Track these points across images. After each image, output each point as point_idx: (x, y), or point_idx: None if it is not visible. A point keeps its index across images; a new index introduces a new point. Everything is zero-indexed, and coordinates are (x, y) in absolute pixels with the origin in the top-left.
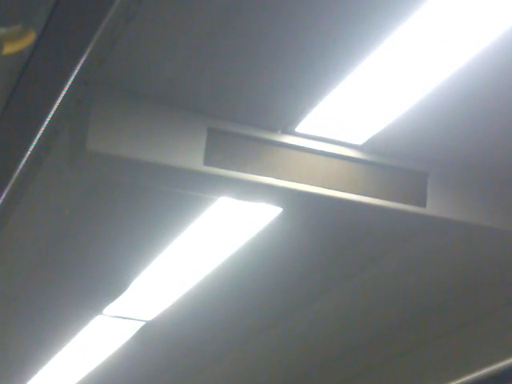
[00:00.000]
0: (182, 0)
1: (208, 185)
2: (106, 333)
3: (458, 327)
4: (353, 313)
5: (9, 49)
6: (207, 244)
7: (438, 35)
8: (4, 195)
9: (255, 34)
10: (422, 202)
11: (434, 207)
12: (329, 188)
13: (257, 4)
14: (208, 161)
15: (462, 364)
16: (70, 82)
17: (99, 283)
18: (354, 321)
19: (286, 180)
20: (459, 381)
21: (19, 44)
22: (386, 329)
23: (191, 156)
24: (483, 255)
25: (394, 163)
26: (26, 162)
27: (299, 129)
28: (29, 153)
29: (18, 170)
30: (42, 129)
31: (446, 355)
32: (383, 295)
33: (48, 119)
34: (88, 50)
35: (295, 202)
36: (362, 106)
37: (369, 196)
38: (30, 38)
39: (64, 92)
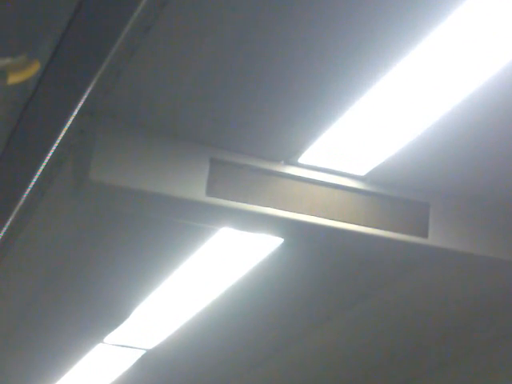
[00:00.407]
0: (186, 33)
1: (210, 215)
2: (107, 361)
3: (459, 357)
4: (353, 342)
5: (13, 79)
6: (209, 274)
7: (440, 68)
8: (8, 224)
9: (258, 66)
10: (423, 233)
11: (435, 238)
12: (331, 218)
13: (259, 38)
14: (210, 191)
15: None
16: (74, 113)
17: (101, 311)
18: (354, 350)
19: (287, 211)
20: None
21: (24, 74)
22: (386, 358)
23: (194, 186)
24: (485, 286)
25: (396, 194)
26: (30, 191)
27: (302, 160)
28: (33, 182)
29: (21, 200)
30: (47, 159)
31: None
32: (384, 325)
33: (52, 149)
34: (93, 81)
35: (297, 233)
36: (364, 137)
37: (371, 227)
38: (34, 69)
39: (69, 122)
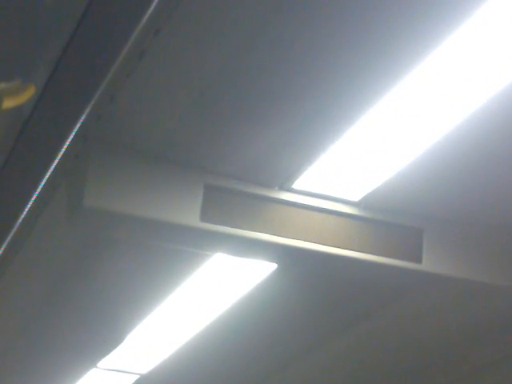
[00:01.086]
0: (181, 58)
1: (204, 241)
2: None
3: (453, 382)
4: (346, 367)
5: (8, 103)
6: (203, 299)
7: (433, 95)
8: (2, 249)
9: (251, 92)
10: (417, 258)
11: (429, 263)
12: (324, 244)
13: (252, 64)
14: (204, 217)
15: None
16: (70, 138)
17: (95, 336)
18: (348, 374)
19: (281, 236)
20: None
21: (18, 99)
22: (380, 381)
23: (188, 212)
24: (479, 310)
25: (389, 219)
26: (24, 216)
27: (296, 185)
28: (27, 207)
29: (16, 225)
30: (42, 184)
31: None
32: (378, 350)
33: (48, 174)
34: (88, 106)
35: (291, 258)
36: (358, 163)
37: (364, 252)
38: (29, 93)
39: (64, 147)
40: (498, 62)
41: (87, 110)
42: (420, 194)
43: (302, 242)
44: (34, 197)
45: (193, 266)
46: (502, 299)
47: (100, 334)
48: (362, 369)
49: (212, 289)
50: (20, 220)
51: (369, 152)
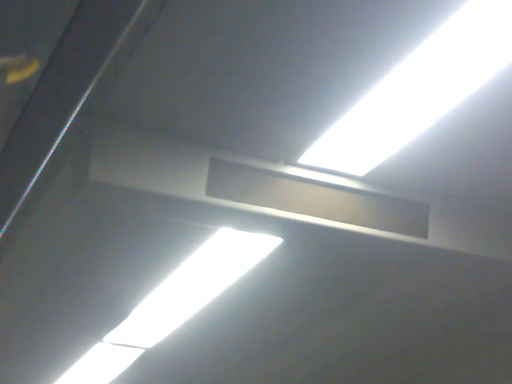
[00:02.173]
0: (185, 34)
1: (210, 215)
2: (106, 360)
3: (459, 356)
4: (353, 342)
5: (12, 78)
6: (208, 273)
7: (439, 70)
8: (7, 224)
9: (258, 66)
10: (423, 234)
11: (435, 238)
12: (330, 219)
13: (259, 39)
14: (210, 191)
15: None
16: (74, 113)
17: (100, 311)
18: (354, 349)
19: (287, 211)
20: None
21: (23, 74)
22: (386, 357)
23: (193, 186)
24: (484, 285)
25: (395, 195)
26: (29, 191)
27: (302, 160)
28: (32, 183)
29: (20, 200)
30: (46, 159)
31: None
32: (384, 324)
33: (52, 149)
34: (93, 82)
35: (296, 233)
36: (364, 138)
37: (370, 227)
38: (33, 68)
39: (68, 123)
40: (503, 37)
41: (91, 86)
42: (426, 169)
43: (308, 216)
44: (39, 172)
45: (198, 240)
46: (507, 274)
47: (105, 308)
48: (369, 343)
49: (217, 263)
50: (24, 195)
51: (374, 127)
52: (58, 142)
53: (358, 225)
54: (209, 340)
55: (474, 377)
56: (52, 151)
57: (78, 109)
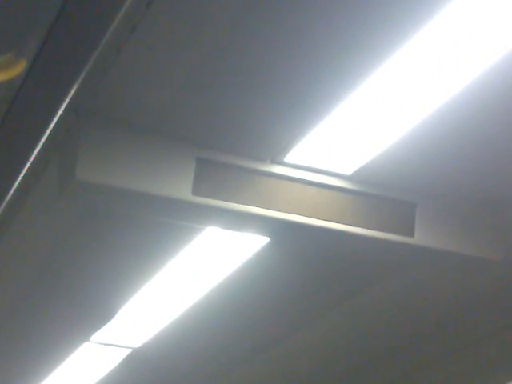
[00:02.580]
0: (172, 33)
1: (196, 214)
2: (93, 360)
3: (446, 355)
4: (339, 342)
5: None
6: (195, 273)
7: (426, 69)
8: None
9: (245, 64)
10: (410, 233)
11: (421, 237)
12: (317, 218)
13: (245, 39)
14: (196, 191)
15: None
16: (60, 111)
17: (87, 310)
18: (340, 349)
19: (273, 210)
20: None
21: (9, 73)
22: (372, 357)
23: (180, 186)
24: (471, 284)
25: (382, 193)
26: (15, 190)
27: (288, 159)
28: (18, 181)
29: (6, 198)
30: (32, 157)
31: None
32: (370, 324)
33: (38, 148)
34: (79, 79)
35: (283, 232)
36: (350, 136)
37: (357, 226)
38: (20, 67)
39: (55, 121)
40: (499, 26)
41: (78, 84)
42: (413, 168)
43: (294, 215)
44: (25, 171)
45: (185, 239)
46: (493, 273)
47: (93, 308)
48: (354, 344)
49: (204, 262)
50: (11, 194)
51: (361, 125)
52: (44, 140)
53: (344, 224)
54: (196, 339)
55: (461, 375)
56: (38, 149)
57: (64, 107)
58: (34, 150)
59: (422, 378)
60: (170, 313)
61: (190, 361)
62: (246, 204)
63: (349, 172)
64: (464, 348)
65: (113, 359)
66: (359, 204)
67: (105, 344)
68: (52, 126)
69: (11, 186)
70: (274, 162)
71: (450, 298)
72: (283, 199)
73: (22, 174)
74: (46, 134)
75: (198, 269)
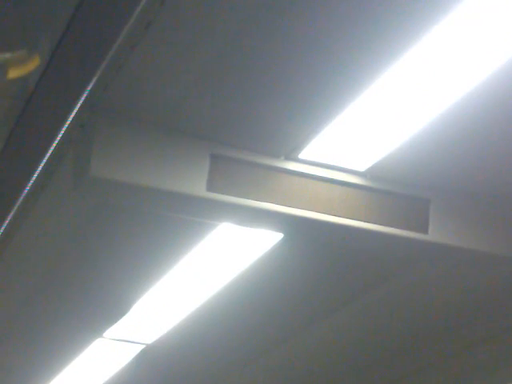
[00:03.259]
0: (187, 29)
1: (210, 211)
2: (106, 355)
3: (460, 352)
4: (353, 337)
5: (13, 74)
6: (208, 269)
7: (441, 65)
8: (8, 218)
9: (259, 61)
10: (423, 229)
11: (435, 233)
12: (331, 214)
13: (259, 34)
14: (211, 187)
15: None
16: (76, 108)
17: (100, 306)
18: (354, 345)
19: (288, 206)
20: None
21: (23, 69)
22: (387, 353)
23: (194, 182)
24: (485, 281)
25: (396, 190)
26: (30, 186)
27: (302, 155)
28: (33, 177)
29: (22, 194)
30: (47, 154)
31: (446, 380)
32: (384, 320)
33: (53, 144)
34: (94, 76)
35: (297, 228)
36: (364, 132)
37: (371, 222)
38: (34, 64)
39: (70, 117)
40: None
41: (93, 80)
42: (427, 165)
43: (308, 211)
44: (40, 167)
45: (199, 235)
46: (508, 269)
47: (106, 304)
48: (369, 339)
49: (217, 259)
50: (26, 190)
51: (376, 122)
52: (59, 136)
53: (358, 220)
54: (209, 336)
55: (475, 370)
56: (54, 146)
57: (79, 103)
58: (49, 146)
59: (432, 374)
60: (183, 309)
61: (202, 357)
62: (260, 200)
63: (363, 168)
64: (476, 345)
65: (126, 355)
66: (373, 200)
67: (118, 340)
68: (67, 122)
69: (27, 182)
70: (288, 158)
71: (463, 295)
72: (297, 195)
73: (37, 170)
74: (62, 130)
75: (211, 265)
